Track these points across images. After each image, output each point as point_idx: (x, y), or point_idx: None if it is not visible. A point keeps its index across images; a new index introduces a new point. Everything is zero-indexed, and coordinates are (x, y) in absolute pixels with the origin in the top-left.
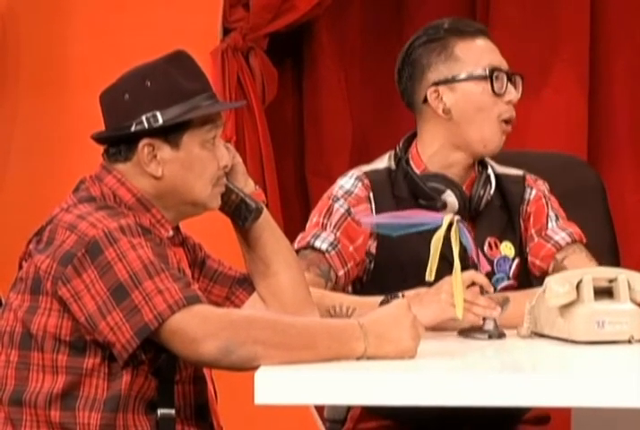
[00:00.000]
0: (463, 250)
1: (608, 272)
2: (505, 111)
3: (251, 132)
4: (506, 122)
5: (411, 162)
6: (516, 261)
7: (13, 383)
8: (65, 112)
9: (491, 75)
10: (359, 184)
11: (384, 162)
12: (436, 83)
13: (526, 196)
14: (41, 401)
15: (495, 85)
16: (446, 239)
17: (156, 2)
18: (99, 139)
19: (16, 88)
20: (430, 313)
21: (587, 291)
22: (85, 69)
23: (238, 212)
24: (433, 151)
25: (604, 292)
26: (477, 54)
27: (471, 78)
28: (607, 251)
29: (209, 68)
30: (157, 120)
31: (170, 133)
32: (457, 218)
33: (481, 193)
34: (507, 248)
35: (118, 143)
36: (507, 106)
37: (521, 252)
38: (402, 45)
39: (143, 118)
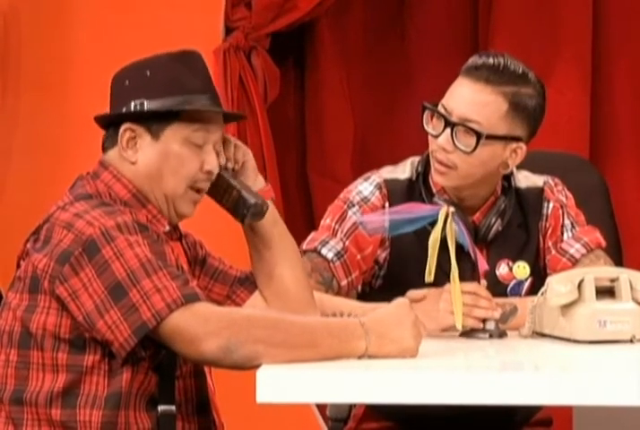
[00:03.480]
0: (460, 246)
1: (609, 272)
2: (434, 151)
3: (253, 131)
4: (437, 161)
5: (430, 179)
6: (529, 280)
7: (14, 383)
8: (67, 110)
9: (423, 110)
10: (377, 193)
11: (406, 171)
12: None
13: (544, 211)
14: (42, 400)
15: (424, 121)
16: (444, 239)
17: (158, 1)
18: (98, 122)
19: (18, 86)
20: (430, 323)
21: (589, 291)
22: (87, 68)
23: (237, 208)
24: None
25: (606, 292)
26: (449, 90)
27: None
28: (610, 250)
29: (211, 67)
30: (143, 107)
31: (153, 123)
32: (452, 210)
33: (491, 222)
34: (521, 269)
35: (109, 127)
36: (439, 147)
37: (538, 270)
38: (404, 44)
39: (132, 104)
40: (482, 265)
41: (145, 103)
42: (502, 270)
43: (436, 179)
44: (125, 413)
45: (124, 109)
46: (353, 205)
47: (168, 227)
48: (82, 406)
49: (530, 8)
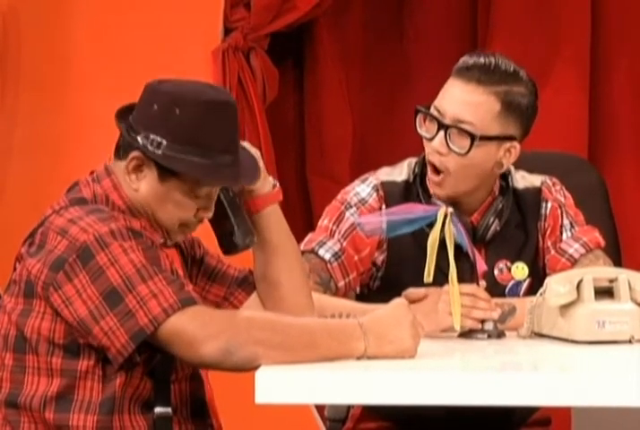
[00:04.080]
0: (459, 247)
1: (608, 272)
2: (429, 154)
3: (252, 132)
4: (432, 169)
5: (428, 180)
6: (527, 281)
7: (9, 386)
8: (66, 110)
9: (416, 113)
10: (375, 195)
11: (403, 173)
12: None
13: (542, 211)
14: (36, 404)
15: (417, 124)
16: (443, 240)
17: (157, 1)
18: (119, 114)
19: (17, 86)
20: (429, 324)
21: (588, 291)
22: (86, 68)
23: (224, 240)
24: None
25: (605, 292)
26: (441, 91)
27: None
28: (609, 251)
29: (210, 68)
30: (159, 148)
31: (163, 168)
32: (450, 210)
33: (489, 222)
34: (519, 269)
35: (125, 137)
36: (433, 151)
37: (537, 270)
38: (403, 44)
39: (151, 137)
40: (481, 266)
41: (164, 144)
42: (500, 270)
43: (432, 189)
44: (119, 417)
45: (142, 136)
46: (351, 206)
47: (162, 240)
48: (75, 411)
49: (529, 8)
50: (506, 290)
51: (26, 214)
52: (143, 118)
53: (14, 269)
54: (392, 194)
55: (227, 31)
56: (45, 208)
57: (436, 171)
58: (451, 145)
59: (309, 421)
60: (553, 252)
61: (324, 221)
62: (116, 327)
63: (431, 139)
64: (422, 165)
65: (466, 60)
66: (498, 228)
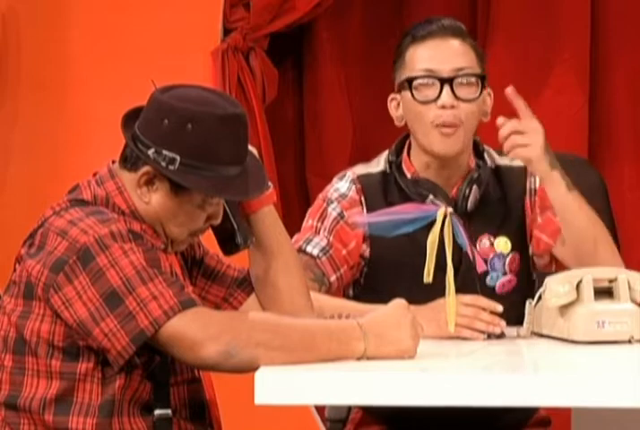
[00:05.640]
0: (459, 248)
1: (608, 272)
2: (438, 116)
3: (251, 132)
4: (444, 125)
5: (403, 165)
6: (511, 255)
7: (8, 388)
8: (66, 111)
9: (410, 81)
10: (353, 187)
11: (380, 165)
12: (395, 91)
13: (530, 186)
14: (35, 406)
15: (414, 91)
16: (442, 240)
17: (157, 2)
18: (124, 121)
19: (16, 87)
20: (429, 333)
21: (587, 291)
22: (85, 69)
23: (224, 241)
24: (414, 154)
25: (604, 292)
26: (418, 58)
27: (404, 84)
28: None
29: (209, 68)
30: (173, 164)
31: (175, 182)
32: (450, 210)
33: (466, 193)
34: (502, 243)
35: (133, 150)
36: (441, 110)
37: (521, 246)
38: None
39: (164, 153)
40: (480, 265)
41: (177, 160)
42: (484, 245)
43: (440, 148)
44: (119, 420)
45: (152, 151)
46: (332, 201)
47: (162, 246)
48: (75, 413)
49: (529, 8)
50: (488, 263)
51: (26, 214)
52: (153, 133)
53: (14, 269)
54: (369, 186)
55: (226, 32)
56: (45, 208)
57: (448, 126)
58: (460, 95)
59: (309, 422)
60: (546, 214)
61: (309, 221)
62: (116, 329)
63: (436, 99)
64: (399, 149)
65: (424, 25)
66: (478, 197)
